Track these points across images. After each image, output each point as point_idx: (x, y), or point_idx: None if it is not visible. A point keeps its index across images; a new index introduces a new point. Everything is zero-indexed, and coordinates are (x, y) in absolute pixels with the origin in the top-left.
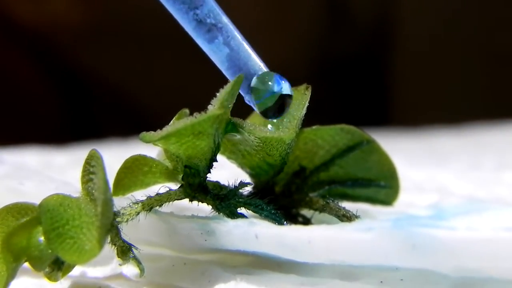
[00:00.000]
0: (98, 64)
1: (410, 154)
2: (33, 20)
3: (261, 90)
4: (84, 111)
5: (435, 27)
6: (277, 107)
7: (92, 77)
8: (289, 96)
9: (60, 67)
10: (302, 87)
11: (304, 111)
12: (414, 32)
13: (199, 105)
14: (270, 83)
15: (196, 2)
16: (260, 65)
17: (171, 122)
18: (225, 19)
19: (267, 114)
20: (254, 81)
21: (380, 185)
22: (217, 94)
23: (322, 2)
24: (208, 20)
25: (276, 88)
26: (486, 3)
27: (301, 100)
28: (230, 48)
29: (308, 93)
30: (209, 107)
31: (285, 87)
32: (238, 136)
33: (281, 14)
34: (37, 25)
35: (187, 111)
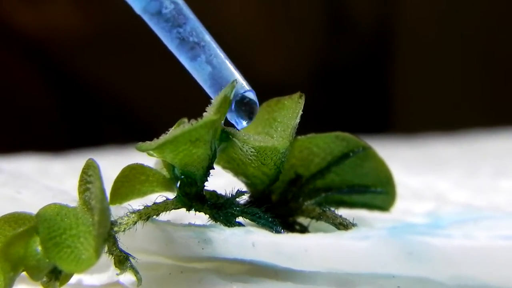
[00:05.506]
0: (97, 70)
1: (408, 161)
2: (31, 26)
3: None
4: (82, 118)
5: (435, 36)
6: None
7: (90, 83)
8: (254, 102)
9: (59, 73)
10: (296, 95)
11: (298, 120)
12: (414, 40)
13: (199, 112)
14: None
15: (179, 20)
16: (242, 84)
17: (169, 131)
18: (208, 37)
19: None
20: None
21: (376, 191)
22: (212, 101)
23: (323, 9)
24: (191, 39)
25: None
26: (486, 12)
27: (294, 108)
28: (213, 67)
29: (302, 102)
30: (205, 114)
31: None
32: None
33: (282, 22)
34: (35, 31)
35: (185, 120)
